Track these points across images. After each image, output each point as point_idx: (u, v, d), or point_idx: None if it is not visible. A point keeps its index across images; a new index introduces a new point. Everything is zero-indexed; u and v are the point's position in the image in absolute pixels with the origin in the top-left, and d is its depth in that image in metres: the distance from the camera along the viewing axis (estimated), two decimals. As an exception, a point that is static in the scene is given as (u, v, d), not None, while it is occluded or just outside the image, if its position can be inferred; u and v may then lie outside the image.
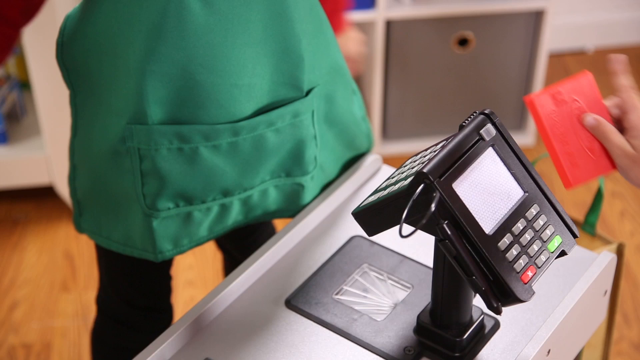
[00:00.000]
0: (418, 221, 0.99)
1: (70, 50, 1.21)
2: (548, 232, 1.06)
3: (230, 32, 1.16)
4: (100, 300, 1.53)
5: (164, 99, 1.17)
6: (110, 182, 1.26)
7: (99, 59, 1.19)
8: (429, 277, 1.23)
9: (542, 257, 1.05)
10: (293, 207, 1.35)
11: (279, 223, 1.72)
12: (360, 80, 2.72)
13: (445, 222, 1.00)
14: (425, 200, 1.00)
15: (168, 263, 1.49)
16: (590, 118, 1.05)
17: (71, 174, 1.32)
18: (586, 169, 1.07)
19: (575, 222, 1.67)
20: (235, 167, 1.24)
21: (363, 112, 1.40)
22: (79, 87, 1.24)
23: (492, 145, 1.05)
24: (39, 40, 2.14)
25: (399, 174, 1.10)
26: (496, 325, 1.17)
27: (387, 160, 2.52)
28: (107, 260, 1.45)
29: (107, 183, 1.27)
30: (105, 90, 1.21)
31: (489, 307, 1.02)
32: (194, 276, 2.26)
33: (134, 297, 1.49)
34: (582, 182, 1.07)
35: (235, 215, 1.30)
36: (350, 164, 1.42)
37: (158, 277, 1.49)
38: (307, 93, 1.26)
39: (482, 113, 1.08)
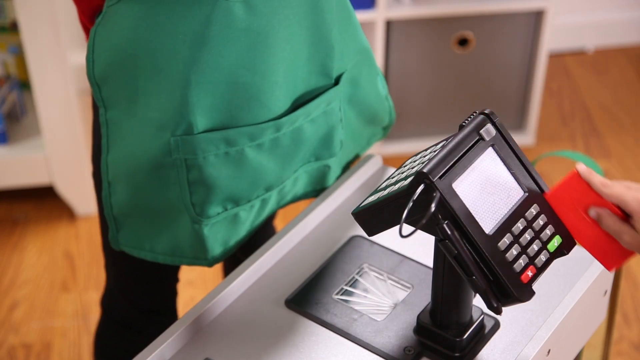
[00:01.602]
0: (418, 221, 0.99)
1: (103, 66, 1.18)
2: (548, 232, 1.06)
3: (271, 31, 1.16)
4: (106, 303, 1.52)
5: (208, 107, 1.16)
6: (153, 195, 1.24)
7: (135, 73, 1.16)
8: (429, 277, 1.23)
9: (542, 257, 1.05)
10: (318, 187, 1.38)
11: (278, 224, 1.72)
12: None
13: (445, 222, 1.00)
14: (425, 200, 1.00)
15: (177, 265, 1.48)
16: (593, 212, 1.06)
17: (105, 191, 1.28)
18: (616, 252, 1.07)
19: (575, 222, 1.66)
20: (276, 161, 1.25)
21: (386, 90, 1.42)
22: (111, 103, 1.21)
23: (492, 145, 1.05)
24: (39, 40, 2.14)
25: (399, 174, 1.10)
26: (496, 325, 1.17)
27: (387, 160, 2.52)
28: (117, 263, 1.44)
29: (149, 196, 1.25)
30: (143, 105, 1.18)
31: (489, 307, 1.02)
32: (194, 276, 2.26)
33: (142, 300, 1.48)
34: (621, 264, 1.08)
35: (270, 206, 1.31)
36: (370, 141, 1.45)
37: (168, 279, 1.48)
38: (336, 79, 1.28)
39: (482, 113, 1.08)
